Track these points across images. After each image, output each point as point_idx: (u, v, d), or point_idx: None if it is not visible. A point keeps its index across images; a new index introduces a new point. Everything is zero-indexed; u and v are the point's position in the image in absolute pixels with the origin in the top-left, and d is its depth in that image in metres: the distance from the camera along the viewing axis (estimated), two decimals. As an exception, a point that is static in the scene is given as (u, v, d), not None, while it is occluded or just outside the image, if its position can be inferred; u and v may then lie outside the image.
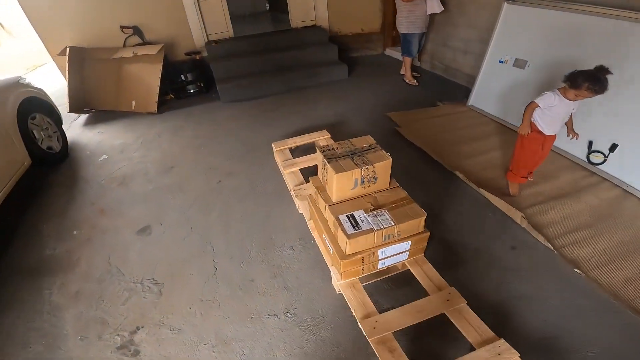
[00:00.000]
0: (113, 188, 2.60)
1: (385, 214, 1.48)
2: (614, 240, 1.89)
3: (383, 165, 1.54)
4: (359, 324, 1.39)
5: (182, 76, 4.11)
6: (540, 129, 2.04)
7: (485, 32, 3.47)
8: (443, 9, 3.58)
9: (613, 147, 2.33)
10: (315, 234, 1.88)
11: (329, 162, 1.52)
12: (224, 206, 2.31)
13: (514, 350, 1.22)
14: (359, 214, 1.48)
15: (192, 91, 4.19)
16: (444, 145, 2.83)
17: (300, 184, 2.22)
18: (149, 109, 3.75)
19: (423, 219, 1.48)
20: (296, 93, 3.99)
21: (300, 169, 2.38)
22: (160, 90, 3.74)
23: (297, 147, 2.69)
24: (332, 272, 1.62)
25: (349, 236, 1.39)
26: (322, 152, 1.60)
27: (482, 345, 1.26)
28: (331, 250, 1.55)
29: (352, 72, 4.37)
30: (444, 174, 2.51)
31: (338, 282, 1.58)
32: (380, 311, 1.43)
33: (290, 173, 2.34)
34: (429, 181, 2.44)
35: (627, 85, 2.20)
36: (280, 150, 2.58)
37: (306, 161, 2.43)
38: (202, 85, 4.21)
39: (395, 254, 1.56)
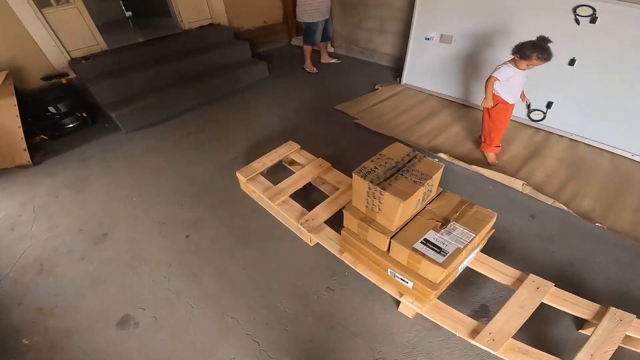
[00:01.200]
0: (34, 280, 1.78)
1: (457, 227, 1.34)
2: (598, 186, 2.20)
3: (438, 175, 1.38)
4: (472, 342, 1.27)
5: (50, 108, 3.07)
6: (505, 99, 2.19)
7: (400, 10, 3.59)
8: None
9: (549, 104, 2.70)
10: (359, 267, 1.62)
11: (382, 188, 1.28)
12: (213, 266, 1.82)
13: (629, 314, 1.28)
14: (432, 236, 1.31)
15: (71, 126, 3.18)
16: (406, 129, 2.86)
17: (303, 215, 1.89)
18: (19, 161, 2.69)
19: (494, 218, 1.40)
20: (220, 103, 3.45)
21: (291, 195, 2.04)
22: (25, 132, 2.72)
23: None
24: (403, 300, 1.44)
25: (443, 265, 1.20)
26: (363, 177, 1.34)
27: (597, 319, 1.28)
28: (409, 285, 1.34)
29: (270, 68, 4.01)
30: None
31: (420, 310, 1.40)
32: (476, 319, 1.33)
33: (282, 205, 1.98)
34: None
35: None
36: (251, 178, 2.16)
37: (294, 184, 2.09)
38: (84, 115, 3.24)
39: (469, 261, 1.46)
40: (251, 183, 2.14)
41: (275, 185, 2.08)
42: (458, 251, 1.24)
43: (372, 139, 2.75)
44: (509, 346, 1.24)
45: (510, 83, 2.13)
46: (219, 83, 3.58)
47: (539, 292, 1.37)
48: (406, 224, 1.37)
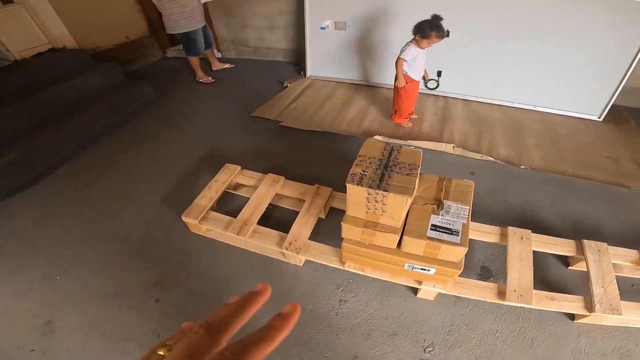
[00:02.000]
0: None
1: (451, 204, 1.43)
2: (502, 135, 2.65)
3: (420, 161, 1.44)
4: (506, 303, 1.44)
5: None
6: (412, 78, 2.46)
7: (287, 3, 3.58)
8: None
9: (439, 73, 3.12)
10: (367, 270, 1.61)
11: (384, 190, 1.27)
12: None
13: (601, 243, 1.59)
14: (437, 220, 1.37)
15: None
16: (332, 120, 2.92)
17: (282, 239, 1.76)
18: None
19: (473, 186, 1.54)
20: (109, 139, 2.87)
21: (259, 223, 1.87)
22: None
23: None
24: (423, 287, 1.51)
25: (462, 244, 1.28)
26: (358, 184, 1.30)
27: (578, 253, 1.59)
28: (431, 272, 1.40)
29: (155, 87, 3.51)
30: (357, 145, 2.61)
31: (444, 291, 1.49)
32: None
33: (254, 235, 1.80)
34: (352, 159, 2.46)
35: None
36: (204, 218, 1.90)
37: (256, 209, 1.91)
38: None
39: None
40: (205, 223, 1.88)
41: (235, 217, 1.87)
42: (465, 227, 1.34)
43: (305, 139, 2.71)
44: (537, 297, 1.42)
45: (416, 62, 2.38)
46: (95, 115, 2.95)
47: (525, 242, 1.60)
48: (407, 217, 1.40)
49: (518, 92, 2.99)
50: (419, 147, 2.45)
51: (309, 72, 3.62)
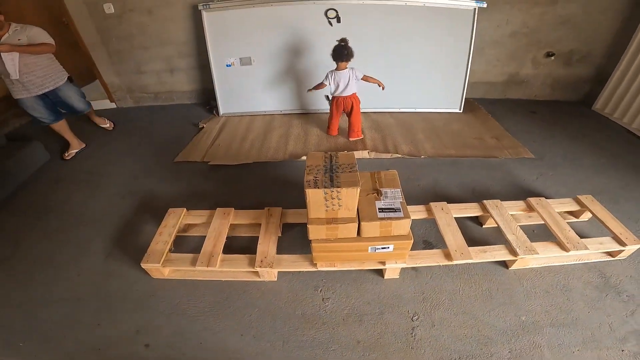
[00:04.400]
0: None
1: (387, 190, 1.90)
2: (398, 134, 3.40)
3: (355, 161, 1.87)
4: (454, 262, 1.90)
5: None
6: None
7: (185, 45, 3.83)
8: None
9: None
10: (337, 265, 1.95)
11: (337, 187, 1.64)
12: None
13: (496, 200, 2.24)
14: (381, 205, 1.81)
15: None
16: (259, 150, 3.23)
17: (252, 260, 1.99)
18: None
19: (397, 173, 2.03)
20: (8, 212, 2.63)
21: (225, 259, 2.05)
22: None
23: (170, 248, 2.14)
24: (387, 267, 1.93)
25: (406, 215, 1.71)
26: (315, 187, 1.63)
27: (484, 212, 2.22)
28: (391, 248, 1.82)
29: (47, 148, 3.30)
30: (284, 168, 2.99)
31: (405, 265, 1.93)
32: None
33: (224, 263, 1.99)
34: (289, 182, 2.80)
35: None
36: (166, 261, 2.00)
37: (217, 241, 2.07)
38: None
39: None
40: (169, 265, 1.99)
41: (198, 253, 2.02)
42: (403, 204, 1.81)
43: (237, 173, 2.94)
44: (473, 252, 1.93)
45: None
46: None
47: (446, 211, 2.17)
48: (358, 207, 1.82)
49: (401, 100, 3.84)
50: (313, 152, 2.98)
51: (221, 111, 3.89)
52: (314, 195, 1.66)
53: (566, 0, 3.59)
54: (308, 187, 1.64)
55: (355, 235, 1.80)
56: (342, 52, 2.84)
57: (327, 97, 3.68)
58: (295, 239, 2.23)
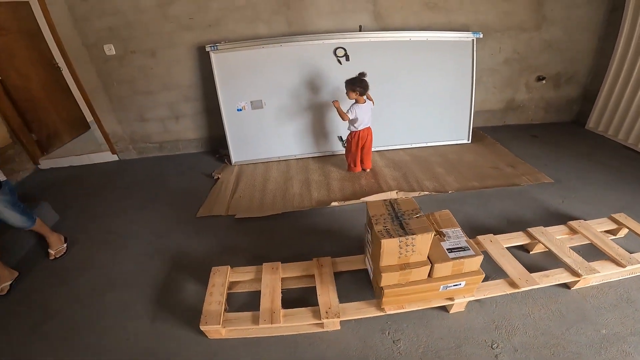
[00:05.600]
0: None
1: (447, 231, 2.00)
2: (418, 171, 3.53)
3: (417, 205, 1.98)
4: (522, 290, 2.05)
5: None
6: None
7: (190, 89, 3.89)
8: None
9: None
10: (406, 307, 1.98)
11: (412, 234, 1.70)
12: None
13: (542, 227, 2.40)
14: (448, 245, 1.89)
15: None
16: (283, 199, 3.24)
17: (315, 312, 1.98)
18: None
19: (448, 211, 2.15)
20: (31, 279, 2.48)
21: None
22: None
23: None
24: (455, 302, 1.97)
25: (476, 254, 1.81)
26: (390, 237, 1.70)
27: (530, 240, 2.33)
28: (462, 285, 1.88)
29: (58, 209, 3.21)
30: (312, 216, 3.02)
31: (472, 298, 1.99)
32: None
33: (287, 318, 1.97)
34: (321, 230, 2.82)
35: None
36: (225, 321, 1.95)
37: (273, 297, 2.06)
38: None
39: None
40: (228, 325, 1.96)
41: (252, 310, 2.00)
42: (469, 241, 1.90)
43: (266, 225, 2.92)
44: (537, 278, 2.03)
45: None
46: None
47: (495, 243, 2.28)
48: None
49: (412, 135, 4.04)
50: (371, 200, 3.06)
51: (234, 159, 3.90)
52: (388, 245, 1.72)
53: (549, 24, 4.02)
54: (382, 237, 1.70)
55: (426, 276, 1.85)
56: (367, 84, 3.07)
57: (340, 137, 3.79)
58: (348, 285, 2.24)
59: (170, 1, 3.52)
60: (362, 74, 3.07)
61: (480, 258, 1.83)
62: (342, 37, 3.57)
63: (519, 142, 4.12)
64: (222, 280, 2.21)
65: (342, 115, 3.19)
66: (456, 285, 1.89)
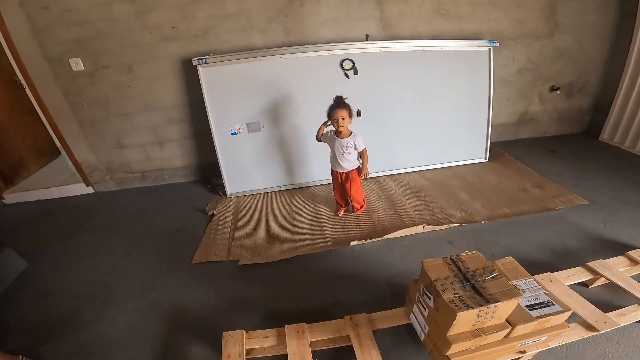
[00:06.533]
0: None
1: (519, 282, 1.71)
2: (442, 197, 3.25)
3: (487, 261, 1.67)
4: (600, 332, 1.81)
5: None
6: None
7: (174, 109, 3.49)
8: None
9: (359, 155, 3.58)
10: None
11: (494, 302, 1.40)
12: None
13: (601, 260, 2.17)
14: (526, 302, 1.59)
15: None
16: (291, 240, 2.85)
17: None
18: None
19: (511, 259, 1.88)
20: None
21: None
22: None
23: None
24: (527, 354, 1.70)
25: (565, 307, 1.56)
26: (467, 308, 1.38)
27: (591, 275, 2.13)
28: (543, 339, 1.60)
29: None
30: (329, 257, 2.66)
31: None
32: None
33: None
34: (342, 275, 2.49)
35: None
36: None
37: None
38: None
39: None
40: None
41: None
42: (550, 294, 1.63)
43: (276, 271, 2.54)
44: (615, 318, 1.83)
45: None
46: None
47: (556, 282, 2.03)
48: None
49: (426, 156, 3.77)
50: (394, 237, 2.75)
51: (229, 190, 3.49)
52: (465, 317, 1.40)
53: (561, 31, 3.90)
54: (458, 309, 1.39)
55: (502, 337, 1.56)
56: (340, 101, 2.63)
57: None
58: (386, 341, 1.93)
59: (150, 8, 3.11)
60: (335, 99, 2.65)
61: (569, 313, 1.57)
62: (348, 47, 3.25)
63: (538, 159, 3.93)
64: (238, 349, 1.84)
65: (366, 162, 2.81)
66: (536, 340, 1.60)
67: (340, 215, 3.08)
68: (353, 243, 2.71)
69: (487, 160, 3.89)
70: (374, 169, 3.48)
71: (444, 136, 3.74)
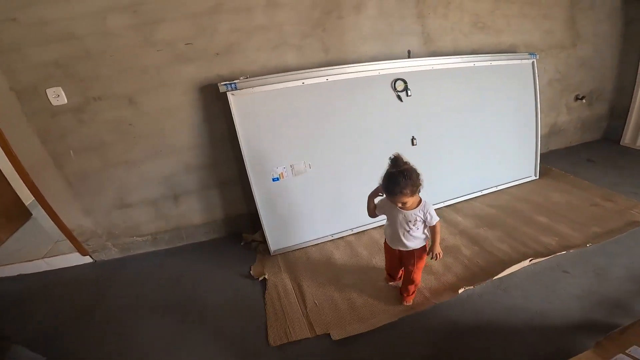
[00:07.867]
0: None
1: None
2: (521, 222, 3.01)
3: None
4: None
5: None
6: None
7: (192, 151, 2.90)
8: None
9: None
10: None
11: None
12: None
13: None
14: None
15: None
16: (382, 300, 2.39)
17: None
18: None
19: None
20: None
21: None
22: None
23: None
24: None
25: None
26: None
27: None
28: None
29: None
30: (438, 310, 2.29)
31: None
32: None
33: None
34: (465, 328, 2.13)
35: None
36: None
37: None
38: None
39: None
40: None
41: None
42: None
43: (385, 340, 2.09)
44: None
45: None
46: None
47: None
48: None
49: (479, 180, 3.54)
50: (503, 276, 2.41)
51: (272, 247, 2.91)
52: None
53: (582, 41, 4.00)
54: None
55: None
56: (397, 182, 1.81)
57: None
58: None
59: (156, 19, 2.50)
60: (397, 160, 1.88)
61: None
62: (398, 65, 2.94)
63: (582, 170, 3.88)
64: None
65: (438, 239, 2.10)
66: None
67: (392, 285, 2.50)
68: (461, 291, 2.32)
69: (537, 177, 3.74)
70: (431, 200, 3.12)
71: (495, 157, 3.54)
